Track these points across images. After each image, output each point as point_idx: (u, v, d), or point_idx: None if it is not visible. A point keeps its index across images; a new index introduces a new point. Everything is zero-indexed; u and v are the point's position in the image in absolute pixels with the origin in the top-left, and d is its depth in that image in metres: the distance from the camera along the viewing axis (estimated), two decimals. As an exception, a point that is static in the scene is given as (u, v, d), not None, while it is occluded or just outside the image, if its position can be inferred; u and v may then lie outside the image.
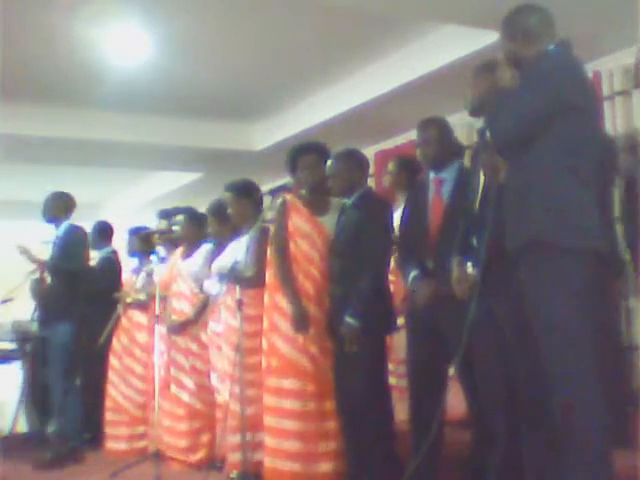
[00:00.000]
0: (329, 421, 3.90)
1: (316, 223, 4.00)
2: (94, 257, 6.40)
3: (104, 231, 6.35)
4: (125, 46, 5.16)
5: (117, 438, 5.63)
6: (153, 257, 5.67)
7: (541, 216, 2.69)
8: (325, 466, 3.87)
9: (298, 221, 4.00)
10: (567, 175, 2.68)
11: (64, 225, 5.48)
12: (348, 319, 3.65)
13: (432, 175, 3.57)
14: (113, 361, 5.77)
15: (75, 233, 5.47)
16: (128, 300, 5.67)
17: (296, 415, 3.86)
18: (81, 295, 5.96)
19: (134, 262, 6.00)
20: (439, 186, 3.52)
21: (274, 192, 4.06)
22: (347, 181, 3.87)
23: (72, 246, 5.41)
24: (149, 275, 5.62)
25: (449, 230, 3.36)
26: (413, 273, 3.48)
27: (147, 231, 5.89)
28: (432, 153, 3.52)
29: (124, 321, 5.75)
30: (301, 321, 3.87)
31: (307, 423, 3.86)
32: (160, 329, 4.85)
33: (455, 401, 3.66)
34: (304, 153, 4.04)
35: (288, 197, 4.04)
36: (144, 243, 5.88)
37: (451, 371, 3.59)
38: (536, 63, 2.76)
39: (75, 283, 5.37)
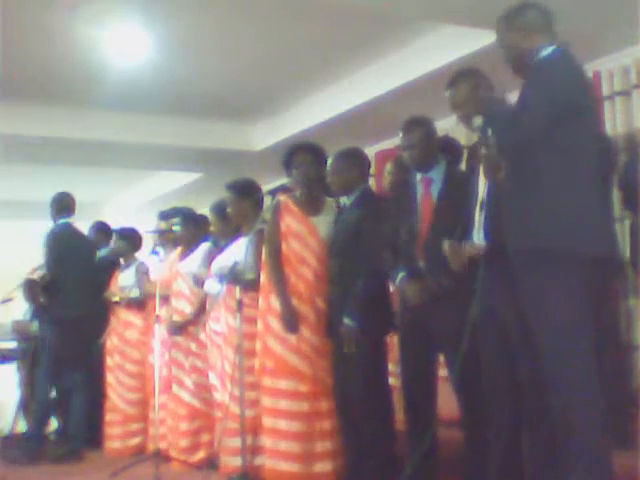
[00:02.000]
0: (325, 421, 3.89)
1: (309, 223, 4.00)
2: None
3: (102, 231, 6.37)
4: (125, 46, 5.16)
5: (112, 437, 5.66)
6: (152, 257, 5.69)
7: (541, 220, 2.68)
8: (323, 466, 3.87)
9: (290, 221, 4.00)
10: (566, 176, 2.68)
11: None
12: (346, 320, 3.66)
13: (419, 175, 3.56)
14: (108, 361, 5.79)
15: (48, 233, 5.60)
16: (115, 299, 5.69)
17: (291, 415, 3.87)
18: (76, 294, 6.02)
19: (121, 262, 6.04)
20: (428, 186, 3.52)
21: (274, 192, 4.06)
22: (346, 180, 3.87)
23: (44, 247, 5.59)
24: (142, 274, 5.64)
25: (440, 229, 3.36)
26: (401, 274, 3.48)
27: (133, 232, 5.93)
28: (419, 155, 3.51)
29: (113, 320, 5.77)
30: (290, 321, 3.87)
31: (302, 423, 3.86)
32: (160, 328, 4.84)
33: (451, 401, 3.66)
34: (299, 152, 4.05)
35: (282, 198, 4.05)
36: (128, 243, 5.90)
37: (442, 372, 3.61)
38: (538, 68, 2.76)
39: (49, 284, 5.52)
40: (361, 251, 3.69)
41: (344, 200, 3.99)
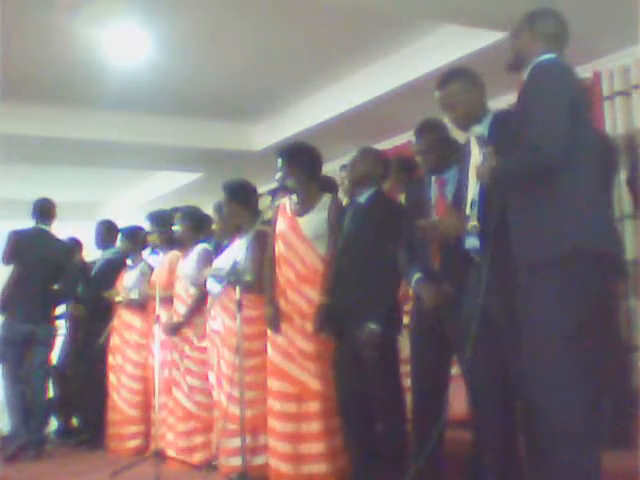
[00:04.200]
0: (312, 422, 3.87)
1: (294, 224, 4.02)
2: (97, 256, 6.43)
3: (109, 231, 6.33)
4: (125, 46, 5.16)
5: (113, 437, 5.66)
6: (152, 257, 5.69)
7: (547, 221, 2.68)
8: (314, 467, 3.84)
9: (280, 224, 4.06)
10: (568, 176, 2.67)
11: None
12: (372, 325, 3.61)
13: (434, 177, 3.55)
14: (110, 360, 5.79)
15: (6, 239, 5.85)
16: (117, 299, 5.69)
17: (278, 416, 3.89)
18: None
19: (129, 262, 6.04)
20: (442, 187, 3.51)
21: (274, 192, 4.06)
22: (363, 174, 3.86)
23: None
24: (143, 275, 5.63)
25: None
26: (417, 275, 3.48)
27: (137, 231, 5.92)
28: (433, 159, 3.51)
29: (115, 321, 5.77)
30: (272, 321, 3.92)
31: (288, 424, 3.86)
32: (159, 329, 4.84)
33: (456, 401, 3.66)
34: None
35: (282, 200, 4.07)
36: (132, 243, 5.90)
37: (454, 370, 3.60)
38: (533, 77, 2.77)
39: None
40: (379, 252, 3.68)
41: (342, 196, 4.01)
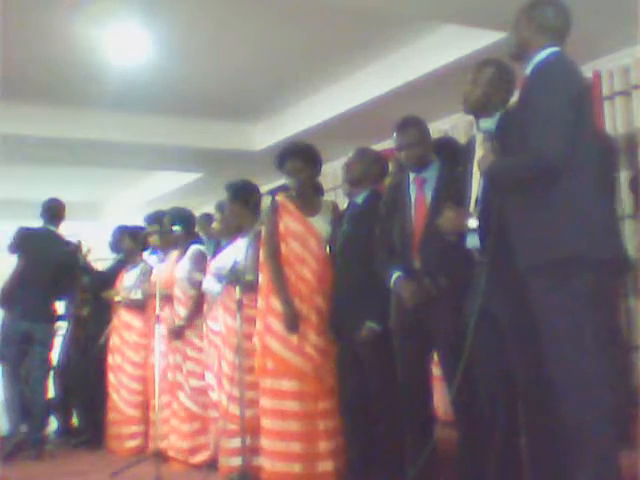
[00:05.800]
0: (326, 420, 3.91)
1: (308, 224, 4.03)
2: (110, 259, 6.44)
3: (124, 236, 6.32)
4: (125, 46, 5.16)
5: (113, 437, 5.67)
6: (153, 257, 5.69)
7: (546, 225, 2.67)
8: (324, 465, 3.88)
9: (289, 222, 4.03)
10: (568, 179, 2.66)
11: None
12: (371, 324, 3.65)
13: (413, 175, 3.57)
14: (110, 360, 5.80)
15: (12, 237, 5.94)
16: (116, 299, 5.70)
17: (294, 416, 3.88)
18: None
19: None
20: (421, 186, 3.53)
21: (274, 192, 4.07)
22: (362, 174, 3.90)
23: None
24: (144, 274, 5.64)
25: (433, 229, 3.33)
26: (397, 274, 3.47)
27: (139, 231, 5.92)
28: (416, 155, 3.52)
29: (115, 320, 5.78)
30: (292, 321, 3.89)
31: (305, 423, 3.87)
32: (161, 329, 4.83)
33: (448, 400, 3.66)
34: (288, 159, 4.06)
35: (279, 198, 4.06)
36: (135, 242, 5.90)
37: (437, 371, 3.61)
38: (536, 75, 2.75)
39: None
40: (371, 252, 3.68)
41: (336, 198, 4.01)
